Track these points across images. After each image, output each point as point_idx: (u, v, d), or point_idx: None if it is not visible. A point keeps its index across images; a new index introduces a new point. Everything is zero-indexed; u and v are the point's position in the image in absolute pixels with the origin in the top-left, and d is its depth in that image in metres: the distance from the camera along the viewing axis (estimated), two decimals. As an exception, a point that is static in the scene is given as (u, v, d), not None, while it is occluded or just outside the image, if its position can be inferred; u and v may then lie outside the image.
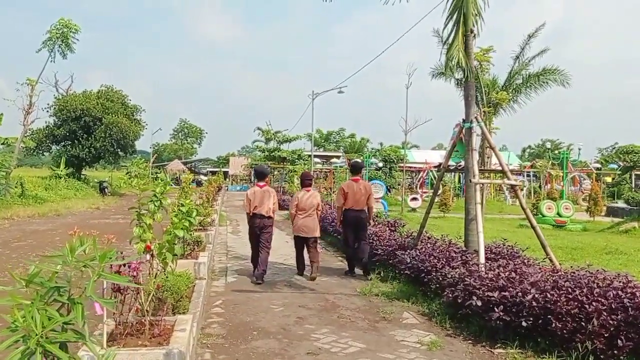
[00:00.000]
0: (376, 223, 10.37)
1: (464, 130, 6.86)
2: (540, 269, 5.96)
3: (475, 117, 6.78)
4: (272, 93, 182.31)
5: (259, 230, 8.04)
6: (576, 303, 4.52)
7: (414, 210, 23.17)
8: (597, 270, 5.08)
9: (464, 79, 6.93)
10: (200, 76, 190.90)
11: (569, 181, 31.21)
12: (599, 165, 40.26)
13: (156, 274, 3.90)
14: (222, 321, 5.70)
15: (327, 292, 7.19)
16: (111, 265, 3.38)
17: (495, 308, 4.89)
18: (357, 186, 8.28)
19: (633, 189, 31.91)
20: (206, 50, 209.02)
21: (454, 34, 6.77)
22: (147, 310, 3.62)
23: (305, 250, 8.28)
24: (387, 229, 9.78)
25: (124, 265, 3.38)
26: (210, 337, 5.09)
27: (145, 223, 3.67)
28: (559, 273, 5.25)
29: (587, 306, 4.44)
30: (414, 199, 24.97)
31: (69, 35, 22.90)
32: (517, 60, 26.72)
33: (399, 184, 32.99)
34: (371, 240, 8.71)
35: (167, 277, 4.23)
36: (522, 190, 7.67)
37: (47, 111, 34.38)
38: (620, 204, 27.37)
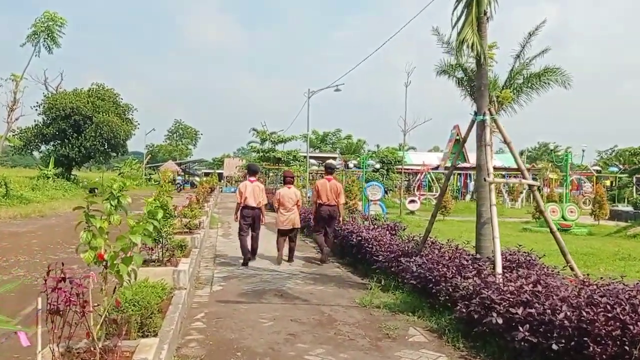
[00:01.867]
0: (375, 227, 9.70)
1: (476, 124, 6.16)
2: (563, 278, 5.29)
3: (489, 109, 6.09)
4: (268, 94, 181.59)
5: (249, 219, 9.23)
6: (618, 323, 3.81)
7: (412, 212, 22.45)
8: (637, 283, 4.38)
9: (476, 66, 6.28)
10: (195, 77, 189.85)
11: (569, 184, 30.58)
12: (598, 168, 39.76)
13: (115, 288, 3.17)
14: (202, 339, 4.97)
15: (322, 304, 6.46)
16: (45, 280, 2.67)
17: (520, 327, 4.18)
18: (330, 185, 9.53)
19: (637, 192, 31.31)
20: (202, 51, 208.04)
21: (466, 16, 6.08)
22: (97, 336, 2.89)
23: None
24: (387, 232, 9.07)
25: (64, 280, 2.65)
26: (186, 360, 4.36)
27: (95, 226, 2.94)
28: (591, 286, 4.54)
29: (631, 327, 3.74)
30: (412, 201, 24.24)
31: (54, 29, 22.01)
32: (517, 59, 26.01)
33: (396, 186, 32.29)
34: (370, 245, 8.11)
35: (124, 292, 3.49)
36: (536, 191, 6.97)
37: (36, 109, 33.53)
38: (621, 207, 26.79)
